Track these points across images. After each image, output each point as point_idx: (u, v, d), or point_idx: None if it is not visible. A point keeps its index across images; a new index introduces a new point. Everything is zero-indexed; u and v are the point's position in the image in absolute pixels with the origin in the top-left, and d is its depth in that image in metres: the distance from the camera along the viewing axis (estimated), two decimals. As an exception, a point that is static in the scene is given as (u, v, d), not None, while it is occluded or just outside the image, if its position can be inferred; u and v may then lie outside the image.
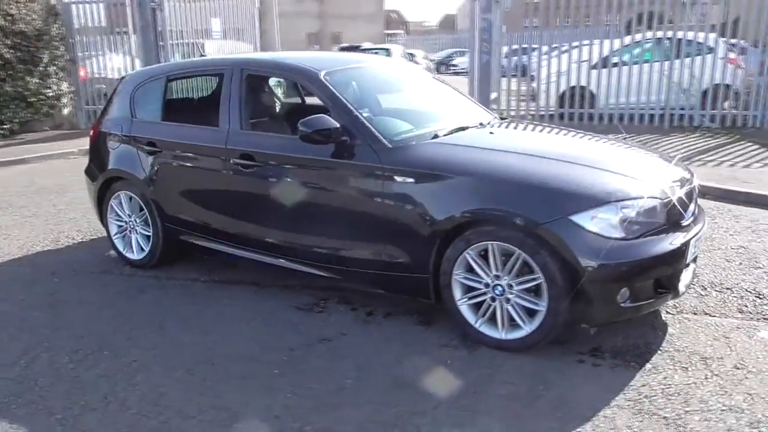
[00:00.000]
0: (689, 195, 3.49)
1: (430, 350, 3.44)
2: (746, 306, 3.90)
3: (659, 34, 11.02)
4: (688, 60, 10.64)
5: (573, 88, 11.30)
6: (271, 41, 15.29)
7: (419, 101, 4.56)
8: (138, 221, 4.75)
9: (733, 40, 10.85)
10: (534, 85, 12.29)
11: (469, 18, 12.18)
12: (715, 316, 3.78)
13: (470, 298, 3.43)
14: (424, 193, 3.43)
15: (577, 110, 11.28)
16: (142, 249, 4.77)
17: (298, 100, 5.43)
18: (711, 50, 10.69)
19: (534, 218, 3.13)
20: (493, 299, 3.35)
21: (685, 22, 11.48)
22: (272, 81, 5.39)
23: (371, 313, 3.92)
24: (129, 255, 4.84)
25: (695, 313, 3.80)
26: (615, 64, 11.03)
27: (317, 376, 3.19)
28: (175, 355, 3.48)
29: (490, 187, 3.28)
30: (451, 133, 3.88)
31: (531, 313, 3.29)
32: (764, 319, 3.74)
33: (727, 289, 4.18)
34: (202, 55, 11.50)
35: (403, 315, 3.87)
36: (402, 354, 3.41)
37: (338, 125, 3.60)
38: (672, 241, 3.22)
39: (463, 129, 4.00)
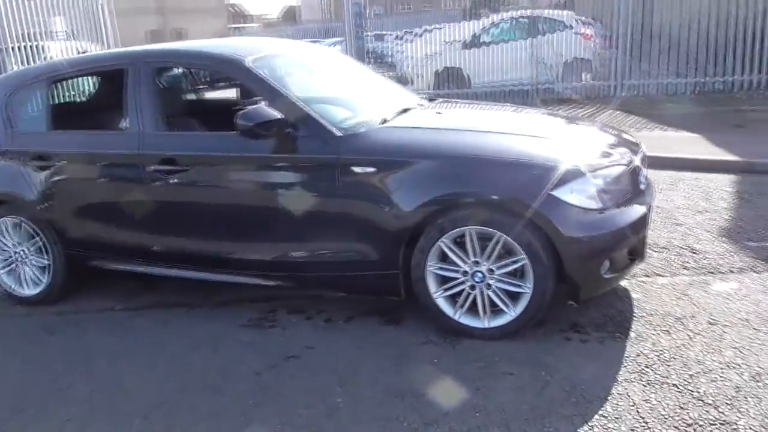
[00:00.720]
0: (642, 161, 3.51)
1: (410, 351, 3.19)
2: (688, 262, 4.04)
3: (519, 13, 11.51)
4: (548, 37, 11.17)
5: (446, 68, 11.48)
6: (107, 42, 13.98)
7: (348, 87, 4.24)
8: (30, 250, 4.01)
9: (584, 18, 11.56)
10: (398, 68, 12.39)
11: (343, 7, 11.96)
12: (666, 275, 3.86)
13: (446, 290, 3.21)
14: (388, 182, 3.15)
15: (453, 90, 11.46)
16: (37, 282, 4.05)
17: (215, 93, 4.88)
18: (567, 27, 11.30)
19: (516, 197, 2.97)
20: (472, 287, 3.16)
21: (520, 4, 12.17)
22: (181, 72, 4.79)
23: (330, 320, 3.59)
24: (21, 291, 4.09)
25: (648, 276, 3.87)
26: (482, 44, 11.35)
27: (301, 399, 2.83)
28: (121, 401, 2.94)
29: (463, 168, 3.07)
30: (397, 116, 3.62)
31: (514, 297, 3.14)
32: (709, 272, 3.88)
33: (664, 248, 4.31)
34: (81, 53, 10.20)
35: (365, 317, 3.57)
36: (382, 359, 3.12)
37: (281, 116, 3.21)
38: (639, 208, 3.21)
39: (406, 111, 3.75)
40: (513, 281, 3.10)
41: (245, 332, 3.53)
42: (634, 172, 3.29)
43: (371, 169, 3.16)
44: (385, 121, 3.49)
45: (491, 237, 3.06)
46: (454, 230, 3.08)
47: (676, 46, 10.51)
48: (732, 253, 4.15)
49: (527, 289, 3.06)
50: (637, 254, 3.29)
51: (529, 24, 11.33)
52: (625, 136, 3.73)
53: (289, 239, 3.41)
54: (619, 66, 11.01)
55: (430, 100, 4.41)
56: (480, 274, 3.12)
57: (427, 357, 3.11)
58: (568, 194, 2.98)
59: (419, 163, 3.12)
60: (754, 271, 3.86)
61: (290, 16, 77.57)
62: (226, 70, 3.72)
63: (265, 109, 3.21)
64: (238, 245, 3.51)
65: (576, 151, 3.22)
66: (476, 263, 3.12)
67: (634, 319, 3.32)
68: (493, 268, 3.10)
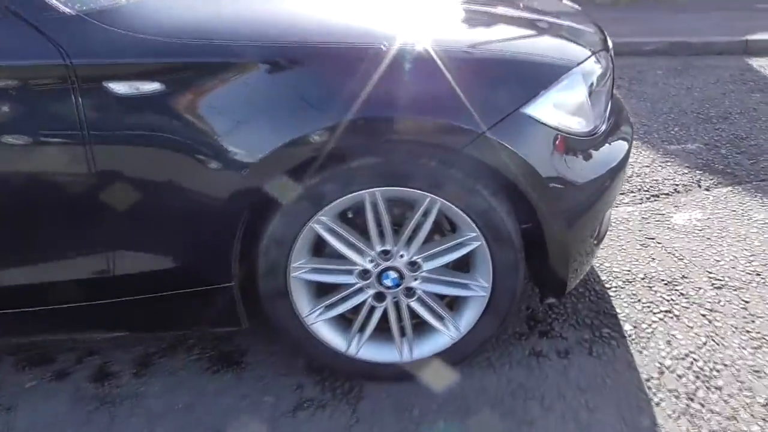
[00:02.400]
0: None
1: (269, 424, 1.68)
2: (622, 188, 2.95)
3: None
4: None
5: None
6: None
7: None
8: None
9: None
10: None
11: None
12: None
13: (330, 306, 1.71)
14: (190, 114, 1.47)
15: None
16: None
17: None
18: None
19: (457, 124, 1.49)
20: (379, 296, 1.69)
21: None
22: None
23: (107, 369, 1.91)
24: None
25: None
26: None
27: None
28: None
29: (355, 76, 1.48)
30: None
31: (455, 305, 1.75)
32: (653, 197, 2.84)
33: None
34: None
35: (175, 355, 1.96)
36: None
37: None
38: (624, 132, 1.93)
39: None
40: (454, 279, 1.69)
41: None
42: (612, 69, 1.97)
43: (151, 86, 1.44)
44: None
45: (414, 205, 1.60)
46: (342, 198, 1.55)
47: None
48: (661, 165, 3.15)
49: (481, 289, 1.67)
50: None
51: None
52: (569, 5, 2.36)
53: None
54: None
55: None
56: (393, 274, 1.65)
57: (326, 425, 1.64)
58: (550, 110, 1.58)
59: (257, 68, 1.48)
60: (702, 187, 2.89)
61: None
62: None
63: None
64: None
65: (549, 31, 1.81)
66: (385, 254, 1.64)
67: (620, 303, 2.12)
68: (419, 260, 1.65)
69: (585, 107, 1.66)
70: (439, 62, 1.50)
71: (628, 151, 1.83)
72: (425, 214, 1.58)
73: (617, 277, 2.22)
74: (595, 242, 1.82)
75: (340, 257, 1.65)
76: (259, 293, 1.67)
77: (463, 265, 1.71)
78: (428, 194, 1.55)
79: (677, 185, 2.93)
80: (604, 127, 1.76)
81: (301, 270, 1.64)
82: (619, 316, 2.02)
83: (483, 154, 1.52)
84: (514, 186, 1.58)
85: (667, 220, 2.62)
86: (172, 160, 1.47)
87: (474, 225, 1.58)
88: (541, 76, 1.60)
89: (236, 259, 1.63)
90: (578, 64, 1.65)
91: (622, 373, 1.78)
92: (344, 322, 1.76)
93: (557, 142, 1.59)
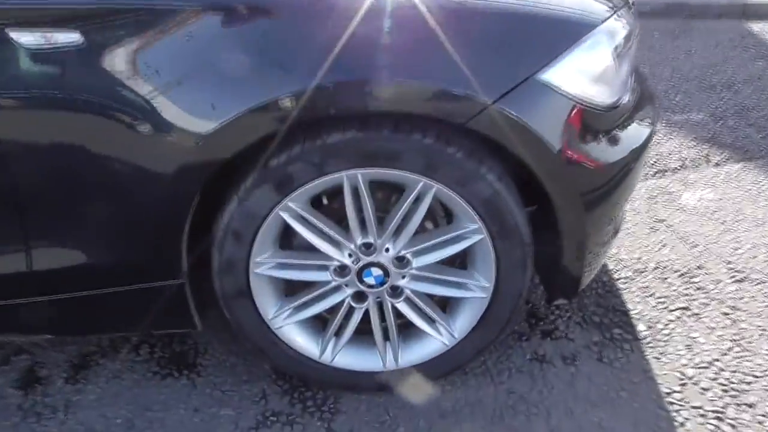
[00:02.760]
0: None
1: (234, 453, 1.42)
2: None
3: None
4: None
5: None
6: None
7: None
8: None
9: None
10: None
11: None
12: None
13: (300, 308, 1.43)
14: (118, 72, 1.15)
15: None
16: None
17: None
18: None
19: (468, 92, 1.19)
20: (359, 297, 1.42)
21: None
22: None
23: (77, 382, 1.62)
24: None
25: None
26: None
27: None
28: None
29: (342, 22, 1.17)
30: None
31: (448, 306, 1.49)
32: (661, 172, 2.58)
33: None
34: None
35: (122, 371, 1.67)
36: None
37: None
38: (649, 107, 1.65)
39: None
40: (449, 278, 1.41)
41: None
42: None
43: (68, 37, 1.12)
44: None
45: (404, 190, 1.31)
46: (315, 180, 1.25)
47: None
48: (666, 137, 2.90)
49: (480, 290, 1.40)
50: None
51: None
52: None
53: None
54: None
55: None
56: (377, 271, 1.37)
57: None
58: (571, 76, 1.29)
59: (205, 15, 1.16)
60: (711, 163, 2.64)
61: None
62: None
63: None
64: None
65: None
66: (367, 247, 1.35)
67: (632, 298, 1.88)
68: (407, 256, 1.37)
69: (610, 74, 1.37)
70: (438, 14, 1.20)
71: (654, 130, 1.56)
72: (417, 201, 1.30)
73: (627, 267, 1.97)
74: (613, 233, 1.56)
75: (313, 250, 1.36)
76: (216, 291, 1.38)
77: (457, 261, 1.44)
78: (422, 178, 1.26)
79: (684, 159, 2.67)
80: (627, 98, 1.49)
81: (264, 265, 1.35)
82: (631, 313, 1.78)
83: (490, 130, 1.23)
84: (522, 168, 1.30)
85: (676, 200, 2.37)
86: (98, 130, 1.16)
87: (475, 215, 1.30)
88: (561, 34, 1.30)
89: (185, 251, 1.33)
90: (603, 21, 1.36)
91: (638, 385, 1.54)
92: (318, 323, 1.49)
93: (577, 115, 1.31)
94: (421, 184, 1.27)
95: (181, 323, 1.45)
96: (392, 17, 1.19)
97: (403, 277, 1.39)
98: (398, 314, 1.44)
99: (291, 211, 1.29)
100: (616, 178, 1.42)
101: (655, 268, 1.97)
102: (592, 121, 1.34)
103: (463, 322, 1.45)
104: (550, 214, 1.36)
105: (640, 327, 1.73)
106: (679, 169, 2.60)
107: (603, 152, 1.37)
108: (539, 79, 1.24)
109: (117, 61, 1.14)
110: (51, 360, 1.66)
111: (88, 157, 1.20)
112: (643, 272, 1.95)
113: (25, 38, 1.10)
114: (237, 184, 1.28)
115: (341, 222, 1.36)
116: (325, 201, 1.37)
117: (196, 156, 1.20)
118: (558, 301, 1.55)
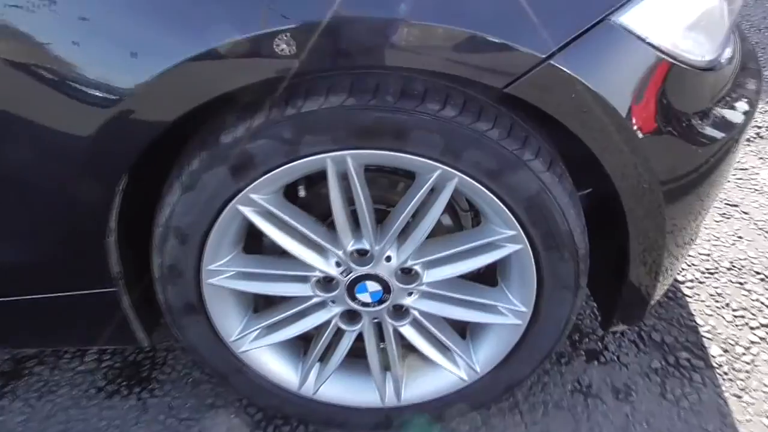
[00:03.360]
0: None
1: None
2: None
3: None
4: None
5: None
6: None
7: None
8: None
9: None
10: None
11: None
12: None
13: (272, 328, 1.08)
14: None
15: None
16: None
17: None
18: None
19: (513, 42, 0.79)
20: (351, 316, 1.06)
21: None
22: None
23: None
24: None
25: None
26: None
27: None
28: None
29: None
30: None
31: (467, 330, 1.12)
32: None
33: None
34: None
35: (60, 384, 1.35)
36: None
37: None
38: (752, 69, 1.23)
39: None
40: (472, 298, 1.04)
41: None
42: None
43: None
44: None
45: (413, 176, 0.93)
46: (287, 164, 0.88)
47: None
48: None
49: (514, 315, 1.03)
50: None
51: None
52: None
53: None
54: None
55: None
56: (374, 285, 1.00)
57: None
58: (658, 19, 0.88)
59: None
60: (793, 134, 2.21)
61: None
62: None
63: None
64: None
65: None
66: (361, 254, 0.98)
67: (701, 309, 1.50)
68: (416, 267, 0.99)
69: (712, 19, 0.96)
70: None
71: (757, 99, 1.14)
72: (431, 193, 0.92)
73: (694, 266, 1.59)
74: (695, 235, 1.17)
75: (287, 258, 1.00)
76: (162, 301, 1.04)
77: (481, 270, 1.07)
78: (439, 164, 0.87)
79: (760, 128, 2.24)
80: (728, 55, 1.07)
81: (221, 275, 1.00)
82: (701, 330, 1.40)
83: (540, 97, 0.84)
84: (578, 149, 0.91)
85: (753, 179, 1.95)
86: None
87: (513, 218, 0.92)
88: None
89: (115, 252, 0.98)
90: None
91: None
92: (298, 344, 1.14)
93: (663, 75, 0.90)
94: (437, 173, 0.88)
95: (122, 338, 1.11)
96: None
97: (410, 294, 1.02)
98: (402, 337, 1.09)
99: (255, 204, 0.93)
100: (711, 162, 1.02)
101: (730, 269, 1.58)
102: (683, 84, 0.94)
103: (488, 354, 1.09)
104: (609, 205, 0.98)
105: (714, 350, 1.35)
106: (754, 140, 2.17)
107: (696, 127, 0.97)
108: (616, 23, 0.84)
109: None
110: (-25, 366, 1.35)
111: None
112: (714, 274, 1.56)
113: None
114: (179, 166, 0.91)
115: (326, 219, 0.99)
116: (302, 192, 1.00)
117: (116, 125, 0.83)
118: (617, 327, 1.17)
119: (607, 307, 1.16)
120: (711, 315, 1.44)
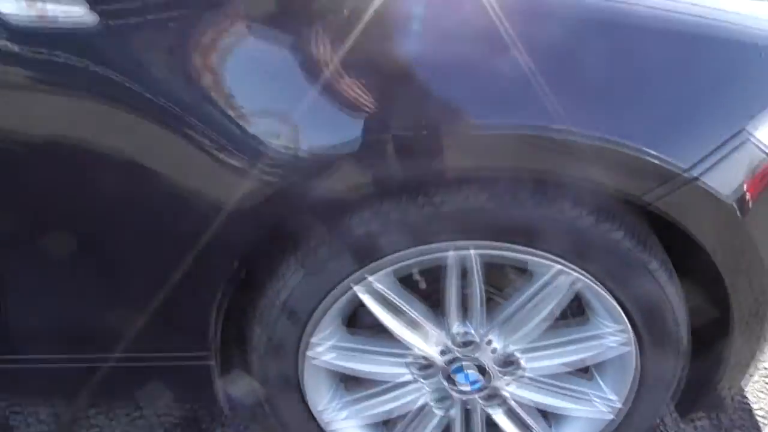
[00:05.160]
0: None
1: None
2: None
3: None
4: None
5: None
6: None
7: None
8: None
9: None
10: None
11: None
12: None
13: (359, 402, 1.06)
14: (139, 56, 0.77)
15: None
16: None
17: None
18: None
19: (661, 157, 0.80)
20: (441, 400, 1.04)
21: None
22: None
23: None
24: None
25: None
26: None
27: None
28: None
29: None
30: None
31: (552, 416, 1.12)
32: None
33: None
34: None
35: None
36: None
37: None
38: None
39: None
40: (567, 386, 1.04)
41: None
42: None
43: (68, 12, 0.73)
44: None
45: (534, 272, 0.93)
46: (415, 258, 0.87)
47: None
48: None
49: (608, 408, 1.02)
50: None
51: None
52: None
53: None
54: None
55: None
56: (473, 372, 1.00)
57: None
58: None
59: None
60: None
61: None
62: None
63: None
64: None
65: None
66: (463, 338, 0.97)
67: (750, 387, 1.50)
68: (519, 356, 0.99)
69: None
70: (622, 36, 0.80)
71: None
72: (550, 291, 0.92)
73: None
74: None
75: (388, 339, 0.98)
76: (254, 373, 1.02)
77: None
78: (565, 264, 0.87)
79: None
80: None
81: (323, 354, 0.98)
82: (753, 407, 1.41)
83: (676, 209, 0.84)
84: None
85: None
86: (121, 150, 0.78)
87: (625, 318, 0.92)
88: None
89: (214, 320, 0.96)
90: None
91: None
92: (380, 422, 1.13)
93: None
94: (555, 270, 0.88)
95: (201, 398, 1.09)
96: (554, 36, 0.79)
97: (508, 383, 1.01)
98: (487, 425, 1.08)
99: (369, 285, 0.92)
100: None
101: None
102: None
103: (574, 438, 1.08)
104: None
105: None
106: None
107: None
108: (749, 134, 0.85)
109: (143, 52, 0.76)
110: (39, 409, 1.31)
111: (98, 189, 0.83)
112: None
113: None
114: (302, 248, 0.89)
115: (427, 298, 0.98)
116: (423, 284, 0.99)
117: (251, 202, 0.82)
118: (695, 413, 1.17)
119: (687, 394, 1.14)
120: (763, 394, 1.45)
